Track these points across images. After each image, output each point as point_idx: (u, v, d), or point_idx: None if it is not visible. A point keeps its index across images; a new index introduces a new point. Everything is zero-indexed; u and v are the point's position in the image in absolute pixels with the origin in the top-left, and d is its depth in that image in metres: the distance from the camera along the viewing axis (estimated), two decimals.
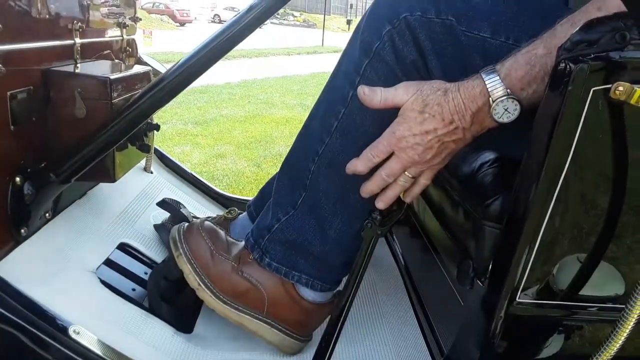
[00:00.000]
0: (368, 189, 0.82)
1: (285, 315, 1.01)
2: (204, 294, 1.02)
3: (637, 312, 0.60)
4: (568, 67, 0.57)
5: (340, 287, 0.98)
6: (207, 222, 1.10)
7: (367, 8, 0.91)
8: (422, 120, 0.73)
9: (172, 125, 5.52)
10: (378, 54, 0.83)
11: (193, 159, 4.33)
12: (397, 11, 0.81)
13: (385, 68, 0.84)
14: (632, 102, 0.55)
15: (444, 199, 0.97)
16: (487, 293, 0.72)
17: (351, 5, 48.77)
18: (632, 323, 0.61)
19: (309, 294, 1.01)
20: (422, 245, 1.20)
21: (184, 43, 13.85)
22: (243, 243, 1.05)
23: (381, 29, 0.82)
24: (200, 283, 1.02)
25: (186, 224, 1.10)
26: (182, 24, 27.80)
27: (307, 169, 0.93)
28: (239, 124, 5.92)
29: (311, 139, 0.94)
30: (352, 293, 0.91)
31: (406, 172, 0.78)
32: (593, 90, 0.56)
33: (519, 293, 0.68)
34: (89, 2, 1.23)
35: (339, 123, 0.89)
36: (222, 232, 1.09)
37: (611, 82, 0.56)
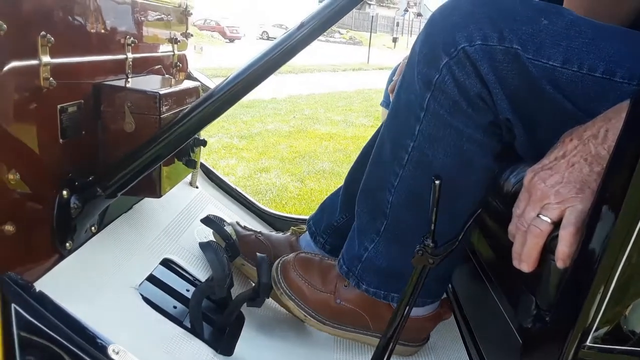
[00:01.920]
0: (515, 252, 0.70)
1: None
2: (311, 322, 1.07)
3: None
4: None
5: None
6: (299, 256, 1.12)
7: (411, 28, 0.88)
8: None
9: (218, 138, 5.59)
10: (439, 87, 0.79)
11: (237, 173, 4.36)
12: (454, 40, 0.75)
13: (450, 101, 0.80)
14: None
15: (501, 225, 0.91)
16: (552, 334, 0.65)
17: (397, 24, 48.76)
18: None
19: (413, 312, 1.00)
20: (474, 272, 1.13)
21: (232, 58, 14.15)
22: (336, 267, 1.08)
23: (438, 62, 0.78)
24: (306, 315, 1.06)
25: (282, 260, 1.11)
26: (232, 40, 28.45)
27: (385, 199, 0.93)
28: (283, 138, 5.94)
29: (385, 170, 0.93)
30: (400, 325, 0.86)
31: (540, 215, 0.67)
32: None
33: (589, 336, 0.61)
34: (142, 18, 1.24)
35: (409, 156, 0.87)
36: (314, 259, 1.11)
37: None
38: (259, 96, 8.69)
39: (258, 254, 1.13)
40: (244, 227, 1.30)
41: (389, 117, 0.93)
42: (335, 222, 1.19)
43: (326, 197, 1.30)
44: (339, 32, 44.94)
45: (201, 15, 30.35)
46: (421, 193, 0.86)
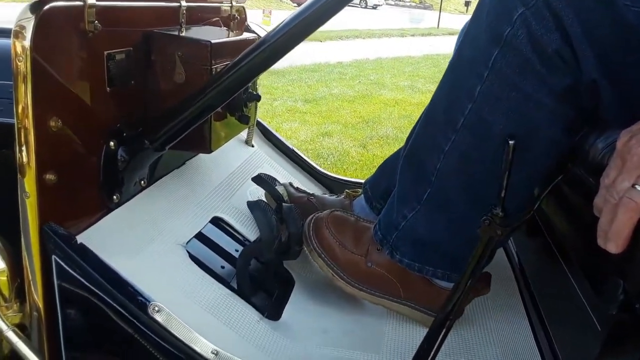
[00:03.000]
0: (601, 229, 0.58)
1: (425, 300, 0.99)
2: (339, 282, 1.01)
3: None
4: None
5: None
6: (333, 214, 1.06)
7: None
8: None
9: (282, 102, 5.57)
10: (510, 42, 0.69)
11: (300, 136, 4.33)
12: None
13: (521, 59, 0.69)
14: None
15: (584, 196, 0.79)
16: None
17: None
18: None
19: (446, 284, 0.96)
20: (547, 248, 1.02)
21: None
22: (371, 230, 1.02)
23: (512, 12, 0.67)
24: (334, 274, 1.01)
25: (315, 216, 1.06)
26: (299, 4, 28.20)
27: (432, 165, 0.85)
28: (347, 103, 5.84)
29: (435, 133, 0.84)
30: (460, 299, 0.77)
31: (637, 186, 0.54)
32: None
33: None
34: None
35: (466, 119, 0.78)
36: (349, 219, 1.06)
37: None
38: (325, 60, 8.58)
39: (284, 204, 1.08)
40: (297, 189, 1.24)
41: (446, 74, 0.83)
42: (393, 188, 1.10)
43: (386, 158, 1.21)
44: None
45: None
46: (474, 161, 0.77)
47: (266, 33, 1.42)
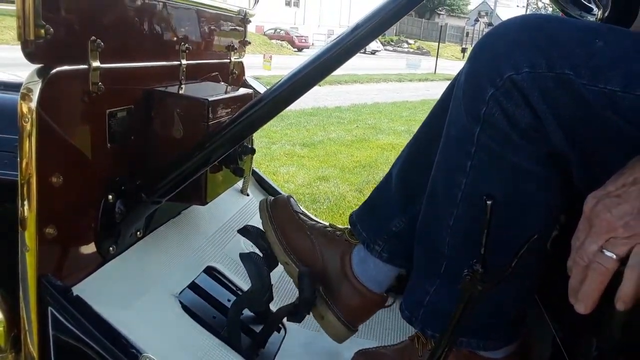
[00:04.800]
0: (571, 288, 0.62)
1: None
2: None
3: None
4: None
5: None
6: (361, 355, 1.03)
7: (480, 36, 0.81)
8: None
9: (280, 145, 5.65)
10: (487, 120, 0.74)
11: (297, 180, 4.37)
12: (499, 69, 0.69)
13: (501, 134, 0.74)
14: None
15: (561, 255, 0.83)
16: None
17: (467, 34, 47.75)
18: None
19: (494, 355, 0.93)
20: (535, 304, 1.04)
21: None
22: (402, 346, 1.00)
23: (484, 93, 0.72)
24: None
25: None
26: (300, 49, 28.86)
27: (441, 239, 0.87)
28: (345, 147, 5.92)
29: (439, 210, 0.87)
30: (445, 353, 0.79)
31: (604, 250, 0.58)
32: None
33: None
34: (199, 24, 1.24)
35: (463, 193, 0.81)
36: (380, 351, 1.03)
37: None
38: (324, 105, 8.73)
39: (301, 267, 1.08)
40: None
41: (439, 154, 0.87)
42: (393, 226, 1.04)
43: (372, 193, 1.12)
44: (407, 42, 44.61)
45: (272, 25, 31.03)
46: (478, 230, 0.79)
47: (264, 90, 1.49)
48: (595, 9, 0.81)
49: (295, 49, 28.35)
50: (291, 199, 1.15)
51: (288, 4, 38.62)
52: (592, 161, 0.70)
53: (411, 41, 45.47)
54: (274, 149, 5.45)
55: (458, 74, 1.03)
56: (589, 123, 0.66)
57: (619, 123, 0.64)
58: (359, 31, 0.84)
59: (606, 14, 0.80)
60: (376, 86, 13.91)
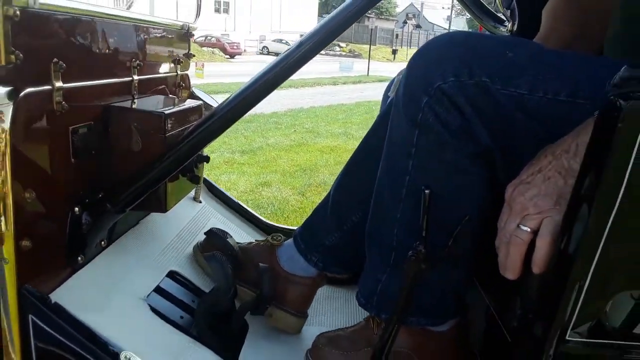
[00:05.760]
0: (500, 262, 0.76)
1: (434, 354, 1.03)
2: None
3: None
4: (618, 103, 0.56)
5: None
6: (322, 337, 1.11)
7: (410, 39, 0.92)
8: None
9: (219, 154, 5.65)
10: (424, 124, 0.85)
11: (239, 187, 4.42)
12: (431, 80, 0.81)
13: (436, 136, 0.85)
14: None
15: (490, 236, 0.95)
16: (536, 330, 0.70)
17: (397, 36, 49.03)
18: None
19: (440, 328, 1.03)
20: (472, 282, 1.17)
21: (233, 74, 14.28)
22: (358, 328, 1.09)
23: (419, 101, 0.84)
24: None
25: (308, 350, 1.11)
26: (232, 56, 28.69)
27: (390, 233, 0.97)
28: (284, 152, 6.01)
29: (386, 207, 0.97)
30: (395, 327, 0.90)
31: (520, 226, 0.73)
32: None
33: (569, 331, 0.66)
34: (146, 40, 1.30)
35: (407, 190, 0.92)
36: (339, 334, 1.10)
37: None
38: (260, 111, 8.77)
39: (260, 264, 1.18)
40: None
41: (383, 159, 0.98)
42: (327, 241, 1.20)
43: (311, 213, 1.27)
44: (339, 45, 45.23)
45: (202, 32, 30.64)
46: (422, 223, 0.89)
47: (209, 99, 1.55)
48: (506, 21, 0.95)
49: (228, 56, 28.16)
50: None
51: (217, 10, 38.26)
52: (511, 155, 0.83)
53: (343, 44, 46.17)
54: (213, 158, 5.41)
55: (389, 83, 1.16)
56: (506, 122, 0.79)
57: (527, 121, 0.77)
58: (303, 47, 0.94)
59: (515, 27, 0.94)
60: (311, 90, 14.08)
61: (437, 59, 0.81)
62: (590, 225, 0.61)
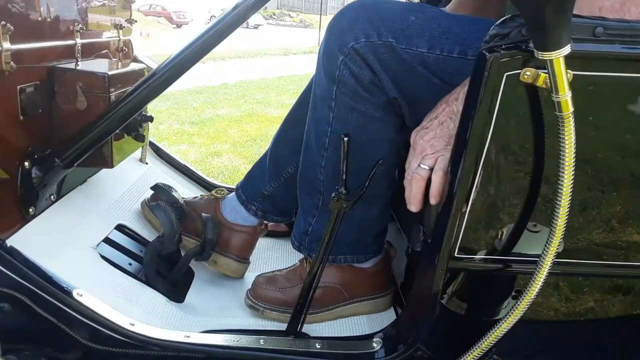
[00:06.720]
0: (406, 197, 0.89)
1: (360, 288, 1.16)
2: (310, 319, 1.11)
3: (548, 262, 0.73)
4: (486, 56, 0.69)
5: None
6: (261, 277, 1.22)
7: None
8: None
9: (168, 125, 5.63)
10: (341, 80, 0.96)
11: (189, 158, 4.44)
12: (345, 41, 0.92)
13: (351, 90, 0.96)
14: (539, 84, 0.67)
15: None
16: (432, 250, 0.84)
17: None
18: (545, 272, 0.73)
19: (365, 265, 1.16)
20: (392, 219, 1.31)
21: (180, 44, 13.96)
22: (293, 268, 1.22)
23: (336, 59, 0.95)
24: (291, 316, 1.09)
25: (248, 289, 1.21)
26: (179, 25, 27.92)
27: (317, 179, 1.08)
28: (235, 123, 6.03)
29: (313, 154, 1.08)
30: (322, 260, 1.03)
31: (420, 165, 0.86)
32: (506, 75, 0.68)
33: (456, 249, 0.80)
34: (89, 5, 1.35)
35: (329, 139, 1.03)
36: (276, 274, 1.22)
37: (521, 68, 0.68)
38: (210, 82, 8.70)
39: (203, 214, 1.28)
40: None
41: (310, 110, 1.09)
42: (265, 190, 1.32)
43: (252, 166, 1.41)
44: (289, 15, 44.73)
45: (146, 1, 29.65)
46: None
47: (157, 65, 1.62)
48: None
49: (174, 25, 27.41)
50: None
51: None
52: (415, 105, 0.95)
53: (293, 14, 45.69)
54: (162, 129, 5.43)
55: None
56: (409, 76, 0.91)
57: (428, 76, 0.90)
58: (239, 8, 1.02)
59: None
60: (262, 60, 13.99)
61: (351, 22, 0.92)
62: (467, 161, 0.74)
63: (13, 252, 0.93)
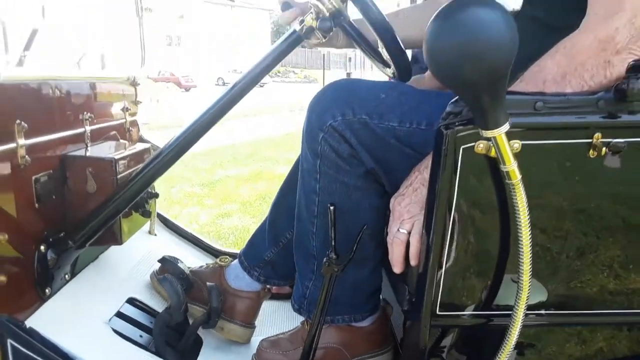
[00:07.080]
0: (390, 259, 0.96)
1: (359, 347, 1.21)
2: None
3: (521, 314, 0.78)
4: (443, 132, 0.77)
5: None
6: (265, 341, 1.28)
7: (363, 61, 1.12)
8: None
9: (180, 188, 5.77)
10: (323, 155, 1.05)
11: (200, 220, 4.54)
12: (324, 120, 1.02)
13: (333, 163, 1.05)
14: (492, 155, 0.75)
15: None
16: (416, 308, 0.90)
17: (350, 59, 50.14)
18: (519, 323, 0.79)
19: (362, 324, 1.21)
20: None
21: (189, 107, 14.38)
22: (295, 330, 1.27)
23: (317, 136, 1.04)
24: None
25: (254, 354, 1.28)
26: (187, 89, 28.77)
27: (311, 245, 1.16)
28: (244, 182, 6.16)
29: (305, 222, 1.16)
30: (320, 322, 1.09)
31: (399, 229, 0.93)
32: (462, 148, 0.76)
33: (437, 306, 0.86)
34: (96, 94, 1.47)
35: (317, 208, 1.11)
36: (279, 337, 1.28)
37: (474, 141, 0.76)
38: (218, 142, 8.91)
39: (208, 282, 1.35)
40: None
41: (299, 181, 1.18)
42: (266, 256, 1.40)
43: (253, 232, 1.49)
44: (294, 72, 45.91)
45: (155, 68, 30.68)
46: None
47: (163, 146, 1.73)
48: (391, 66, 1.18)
49: (182, 89, 28.23)
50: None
51: (170, 44, 38.45)
52: (392, 173, 1.04)
53: (297, 71, 46.91)
54: (174, 193, 5.57)
55: None
56: (384, 148, 1.00)
57: (400, 147, 0.99)
58: (239, 84, 1.14)
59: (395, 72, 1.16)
60: (269, 118, 14.32)
61: (329, 102, 1.02)
62: (437, 225, 0.81)
63: (32, 332, 1.00)
